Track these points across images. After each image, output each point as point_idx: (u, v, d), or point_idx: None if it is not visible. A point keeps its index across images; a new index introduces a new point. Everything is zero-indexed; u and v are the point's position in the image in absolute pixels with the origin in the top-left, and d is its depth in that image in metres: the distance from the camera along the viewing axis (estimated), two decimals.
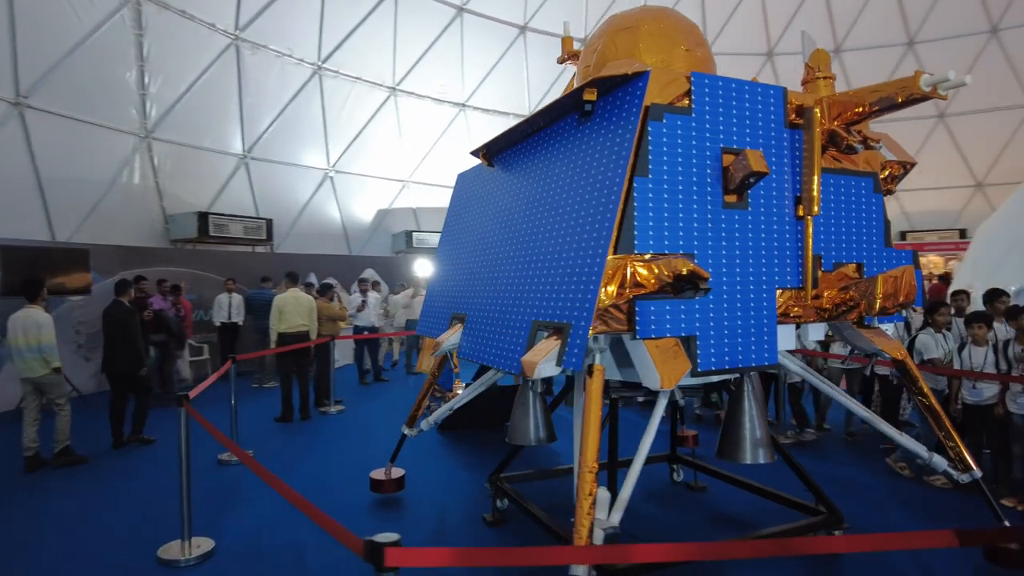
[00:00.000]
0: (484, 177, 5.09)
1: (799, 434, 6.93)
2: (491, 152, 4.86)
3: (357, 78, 15.48)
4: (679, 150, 3.25)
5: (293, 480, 5.91)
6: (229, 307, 11.19)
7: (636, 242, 3.12)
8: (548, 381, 4.95)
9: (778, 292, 3.52)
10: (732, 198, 3.40)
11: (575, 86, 4.61)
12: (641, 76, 3.24)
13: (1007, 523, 3.94)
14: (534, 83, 18.78)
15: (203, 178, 13.33)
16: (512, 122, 19.18)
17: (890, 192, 4.14)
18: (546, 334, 3.46)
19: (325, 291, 9.56)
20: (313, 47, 14.34)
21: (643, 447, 3.32)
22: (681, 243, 3.23)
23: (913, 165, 4.15)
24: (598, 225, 3.19)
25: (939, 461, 4.01)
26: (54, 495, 5.56)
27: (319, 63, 14.59)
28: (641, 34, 4.12)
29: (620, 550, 2.12)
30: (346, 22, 14.59)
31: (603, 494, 3.05)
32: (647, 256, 3.12)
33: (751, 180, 3.25)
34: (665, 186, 3.21)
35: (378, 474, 5.44)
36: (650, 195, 3.16)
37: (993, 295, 5.78)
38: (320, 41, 14.36)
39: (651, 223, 3.16)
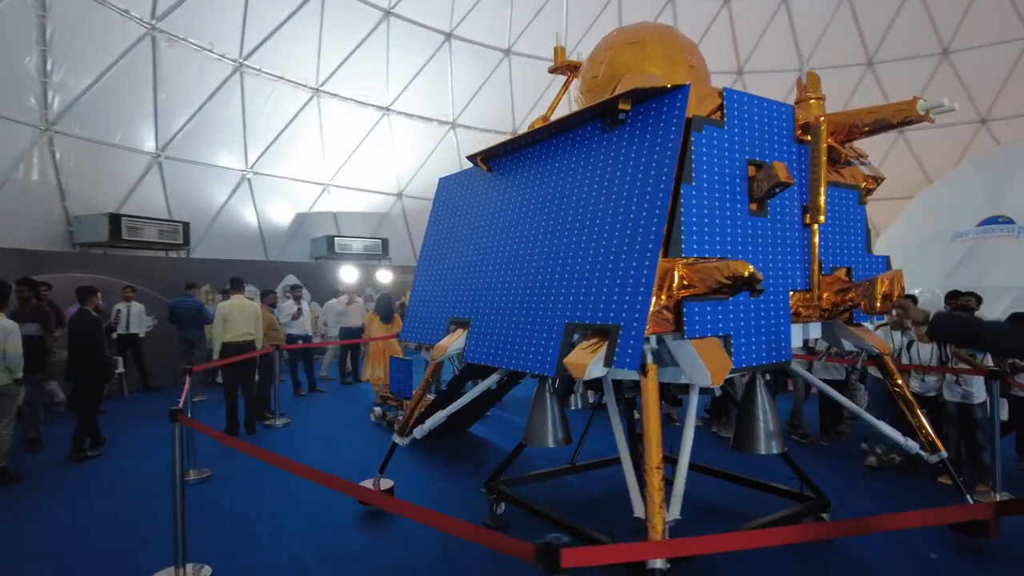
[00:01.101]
0: (477, 182, 5.09)
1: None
2: (489, 158, 4.88)
3: (280, 77, 14.85)
4: (715, 160, 3.45)
5: (270, 497, 5.60)
6: (128, 317, 10.37)
7: (683, 246, 3.28)
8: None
9: (790, 294, 3.81)
10: (755, 206, 3.65)
11: (581, 94, 4.76)
12: (681, 89, 3.41)
13: (970, 498, 4.46)
14: (458, 90, 18.82)
15: (111, 177, 12.26)
16: (436, 128, 19.27)
17: (863, 203, 4.59)
18: (579, 336, 3.55)
19: (264, 297, 9.09)
20: (235, 42, 13.60)
21: (686, 442, 3.47)
22: (718, 248, 3.44)
23: (882, 180, 4.63)
24: (643, 229, 3.31)
25: (912, 445, 4.47)
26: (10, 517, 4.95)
27: (240, 60, 13.86)
28: (649, 49, 4.32)
29: (706, 540, 2.22)
30: (270, 19, 13.98)
31: None
32: (691, 259, 3.29)
33: (776, 190, 3.51)
34: (705, 193, 3.39)
35: (366, 485, 5.25)
36: (694, 201, 3.34)
37: (952, 296, 6.40)
38: (243, 37, 13.65)
39: (695, 228, 3.34)
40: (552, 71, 5.29)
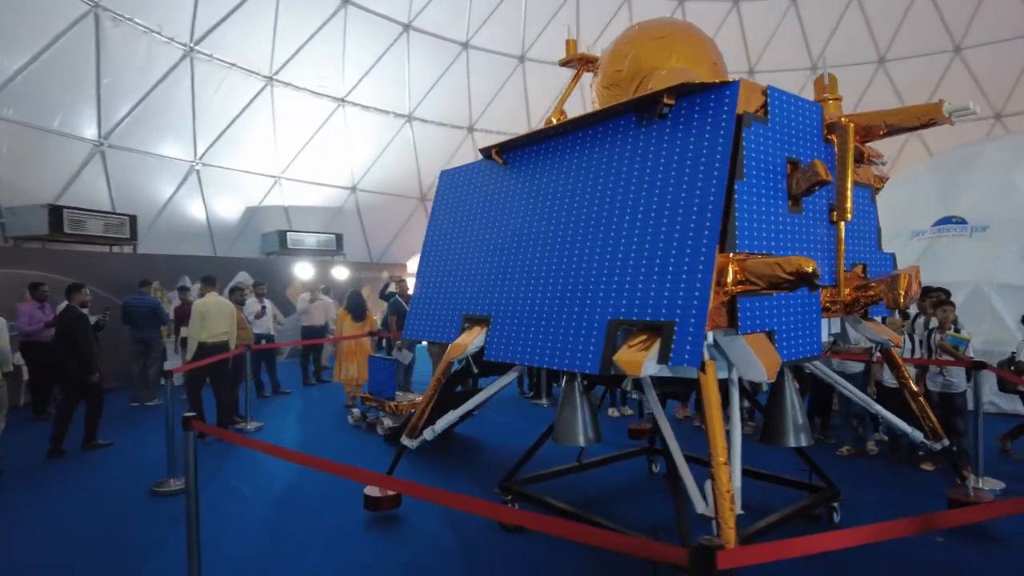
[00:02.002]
0: (489, 175, 4.97)
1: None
2: (505, 150, 4.78)
3: (232, 64, 14.13)
4: (761, 157, 3.47)
5: (266, 504, 5.31)
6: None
7: (738, 241, 3.28)
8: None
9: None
10: (791, 203, 3.70)
11: (602, 87, 4.70)
12: (731, 85, 3.41)
13: (967, 484, 4.69)
14: (416, 83, 18.45)
15: (48, 165, 11.38)
16: (392, 121, 18.83)
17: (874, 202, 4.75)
18: (623, 332, 3.51)
19: (232, 295, 8.63)
20: (185, 26, 12.84)
21: (735, 440, 3.48)
22: (763, 244, 3.46)
23: (887, 180, 4.80)
24: (696, 224, 3.29)
25: (916, 434, 4.67)
26: None
27: (191, 44, 13.10)
28: (674, 45, 4.32)
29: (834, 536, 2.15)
30: (223, 2, 13.25)
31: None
32: (742, 255, 3.30)
33: (816, 187, 3.57)
34: (754, 189, 3.41)
35: (372, 491, 5.05)
36: (745, 197, 3.35)
37: (924, 292, 6.63)
38: (194, 21, 12.89)
39: (747, 224, 3.35)
40: (563, 64, 5.21)
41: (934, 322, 6.21)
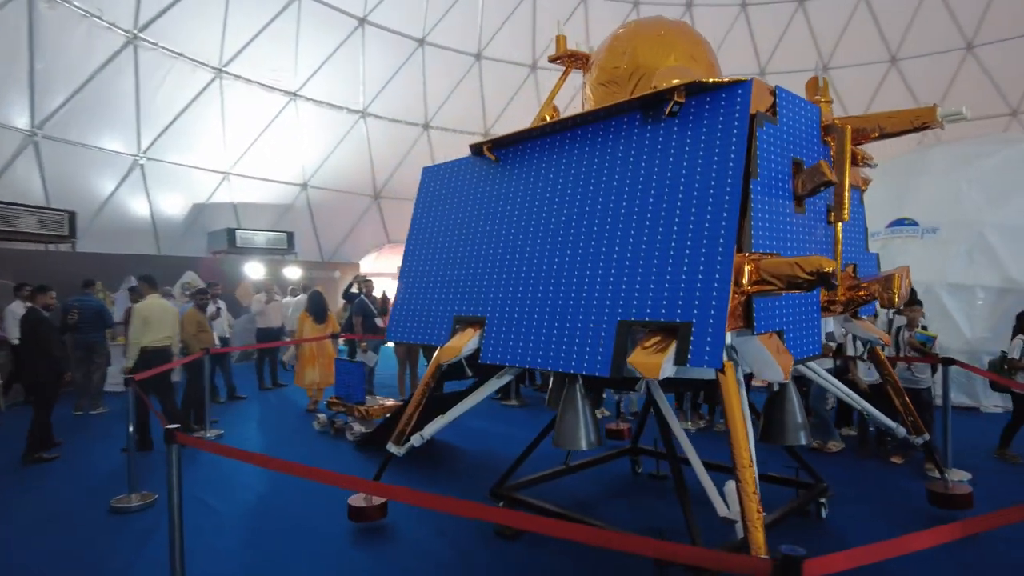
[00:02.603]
0: (478, 172, 4.83)
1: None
2: (498, 147, 4.65)
3: (179, 54, 13.45)
4: (772, 157, 3.46)
5: (245, 517, 5.00)
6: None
7: (753, 241, 3.26)
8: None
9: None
10: (796, 203, 3.72)
11: (598, 84, 4.62)
12: (743, 84, 3.38)
13: (945, 477, 4.85)
14: (370, 78, 18.03)
15: None
16: (346, 117, 18.34)
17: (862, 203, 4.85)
18: (636, 334, 3.44)
19: (198, 297, 8.17)
20: (128, 11, 12.12)
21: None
22: (774, 243, 3.45)
23: (870, 182, 4.92)
24: (712, 223, 3.25)
25: (900, 430, 4.80)
26: None
27: (135, 31, 12.39)
28: (673, 44, 4.30)
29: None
30: None
31: (734, 487, 3.13)
32: (755, 255, 3.28)
33: (821, 188, 3.59)
34: (767, 189, 3.40)
35: (357, 500, 4.83)
36: (759, 197, 3.33)
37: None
38: (138, 6, 12.20)
39: (761, 223, 3.33)
40: (553, 60, 5.12)
41: (901, 320, 6.43)
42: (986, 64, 18.13)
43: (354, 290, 11.60)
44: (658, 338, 3.28)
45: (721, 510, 3.15)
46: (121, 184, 13.45)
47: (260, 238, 16.34)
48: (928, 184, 9.74)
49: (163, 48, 13.08)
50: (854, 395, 5.00)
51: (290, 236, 16.98)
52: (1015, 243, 8.76)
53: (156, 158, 14.04)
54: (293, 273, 16.10)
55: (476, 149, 4.76)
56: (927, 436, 4.77)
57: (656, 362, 3.13)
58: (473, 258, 4.58)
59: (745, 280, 3.22)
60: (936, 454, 5.83)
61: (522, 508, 4.60)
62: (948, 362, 5.64)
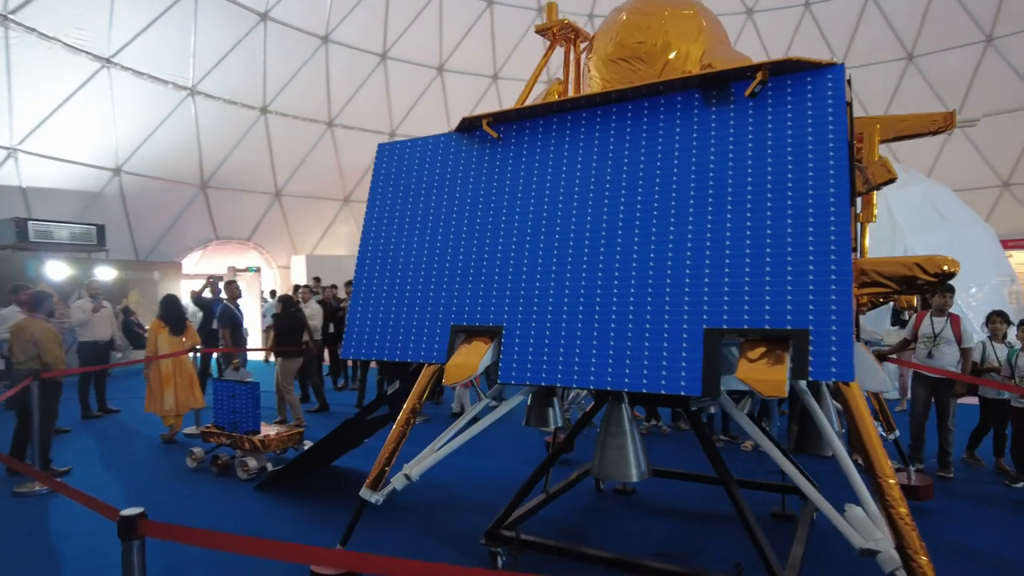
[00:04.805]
0: (468, 153, 4.06)
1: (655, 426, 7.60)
2: (501, 121, 3.92)
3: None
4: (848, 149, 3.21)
5: None
6: None
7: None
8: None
9: None
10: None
11: (611, 60, 4.09)
12: (834, 69, 3.08)
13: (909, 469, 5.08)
14: (202, 52, 15.63)
15: None
16: (171, 93, 15.70)
17: None
18: (727, 343, 3.01)
19: (40, 305, 6.14)
20: None
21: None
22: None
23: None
24: (818, 219, 2.90)
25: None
26: None
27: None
28: (704, 22, 3.94)
29: None
30: None
31: (859, 512, 2.80)
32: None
33: (883, 186, 3.43)
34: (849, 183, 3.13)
35: (325, 571, 3.76)
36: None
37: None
38: None
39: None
40: (540, 31, 4.47)
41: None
42: (1008, 56, 17.48)
43: (207, 294, 9.82)
44: (765, 348, 2.85)
45: (856, 541, 2.79)
46: None
47: (62, 232, 13.30)
48: None
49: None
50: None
51: (100, 229, 14.07)
52: None
53: None
54: (105, 274, 13.38)
55: (468, 124, 3.98)
56: (898, 433, 4.95)
57: (779, 377, 2.69)
58: (475, 255, 3.80)
59: (855, 280, 2.92)
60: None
61: (535, 551, 3.91)
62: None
